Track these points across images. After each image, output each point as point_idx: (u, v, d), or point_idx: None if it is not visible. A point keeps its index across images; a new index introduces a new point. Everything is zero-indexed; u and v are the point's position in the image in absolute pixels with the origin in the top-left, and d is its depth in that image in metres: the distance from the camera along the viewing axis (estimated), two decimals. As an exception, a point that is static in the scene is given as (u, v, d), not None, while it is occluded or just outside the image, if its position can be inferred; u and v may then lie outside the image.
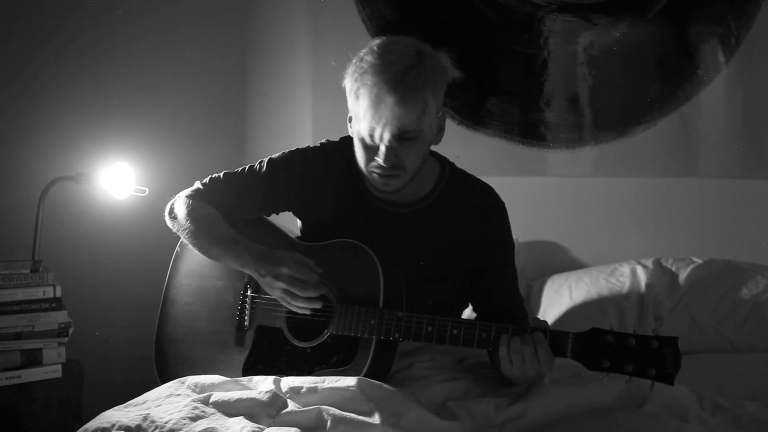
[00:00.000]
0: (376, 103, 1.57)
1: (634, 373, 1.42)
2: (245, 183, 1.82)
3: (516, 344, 1.49)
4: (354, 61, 1.65)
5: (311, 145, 1.86)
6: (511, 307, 1.74)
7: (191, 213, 1.77)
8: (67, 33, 2.48)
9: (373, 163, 1.64)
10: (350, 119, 1.72)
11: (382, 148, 1.60)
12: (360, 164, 1.69)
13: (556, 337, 1.48)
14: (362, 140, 1.64)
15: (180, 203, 1.81)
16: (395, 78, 1.56)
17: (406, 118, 1.58)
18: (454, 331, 1.56)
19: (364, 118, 1.60)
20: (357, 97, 1.61)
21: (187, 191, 1.85)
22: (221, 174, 1.86)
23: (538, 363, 1.48)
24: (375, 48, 1.62)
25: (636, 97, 2.59)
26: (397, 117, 1.57)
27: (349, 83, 1.64)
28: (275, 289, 1.65)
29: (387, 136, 1.59)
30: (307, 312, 1.66)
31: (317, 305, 1.65)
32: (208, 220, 1.76)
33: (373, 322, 1.61)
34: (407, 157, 1.63)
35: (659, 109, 2.58)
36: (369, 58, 1.60)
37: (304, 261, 1.65)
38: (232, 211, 1.82)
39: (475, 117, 2.66)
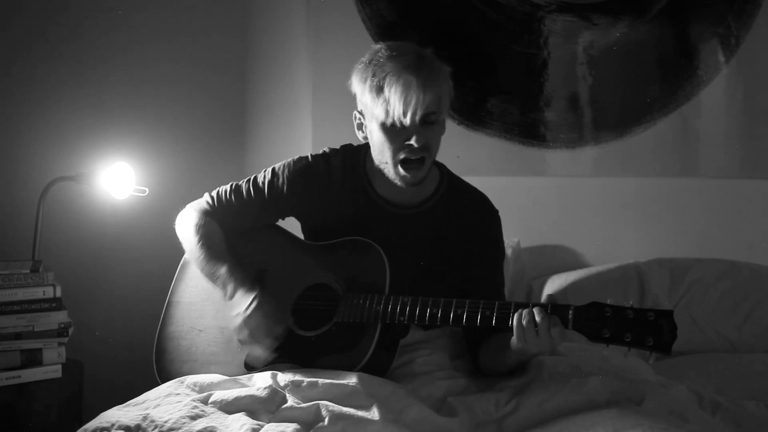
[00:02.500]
0: (406, 87, 1.65)
1: (633, 343, 1.44)
2: (250, 196, 1.87)
3: (528, 317, 1.50)
4: (360, 66, 1.73)
5: (313, 153, 1.89)
6: None
7: (197, 227, 1.84)
8: (67, 33, 2.49)
9: (403, 150, 1.70)
10: (359, 126, 1.78)
11: (414, 130, 1.67)
12: (386, 158, 1.73)
13: (558, 310, 1.50)
14: (388, 128, 1.69)
15: (190, 217, 1.88)
16: (415, 62, 1.67)
17: (432, 97, 1.67)
18: (458, 311, 1.59)
19: (396, 103, 1.66)
20: (379, 90, 1.68)
21: (197, 205, 1.90)
22: (228, 187, 1.90)
23: (552, 338, 1.49)
24: (382, 48, 1.73)
25: (636, 97, 2.59)
26: (426, 96, 1.66)
27: (361, 83, 1.72)
28: (243, 322, 1.68)
29: (419, 115, 1.67)
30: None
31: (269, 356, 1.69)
32: (209, 239, 1.83)
33: (379, 308, 1.64)
34: (432, 140, 1.72)
35: (659, 109, 2.58)
36: (382, 53, 1.71)
37: (274, 315, 1.69)
38: (240, 222, 1.87)
39: (475, 117, 2.66)
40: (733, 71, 2.53)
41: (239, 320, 1.69)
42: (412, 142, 1.67)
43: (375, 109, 1.70)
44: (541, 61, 2.61)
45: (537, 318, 1.49)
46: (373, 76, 1.69)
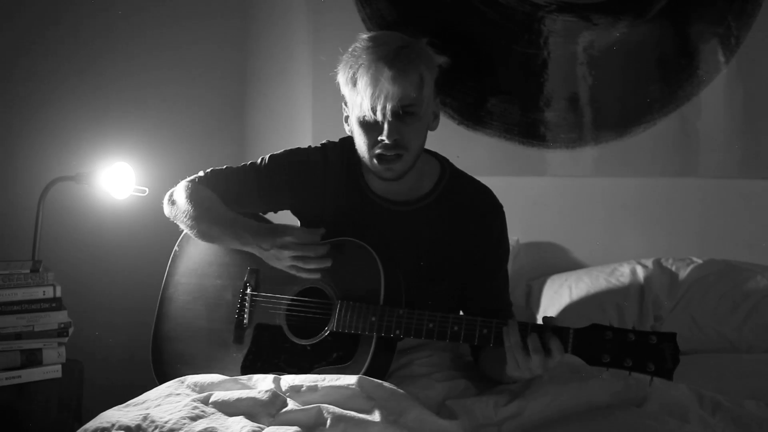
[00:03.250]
0: (375, 78, 1.61)
1: (634, 368, 1.42)
2: (246, 176, 1.85)
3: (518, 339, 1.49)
4: (345, 56, 1.70)
5: (312, 145, 1.87)
6: (499, 310, 1.73)
7: (191, 195, 1.81)
8: (66, 32, 2.49)
9: (377, 146, 1.66)
10: (346, 119, 1.76)
11: (386, 126, 1.63)
12: (362, 152, 1.71)
13: (558, 333, 1.48)
14: (363, 122, 1.67)
15: (180, 189, 1.85)
16: (390, 54, 1.62)
17: (405, 90, 1.62)
18: (455, 328, 1.57)
19: (364, 96, 1.63)
20: (354, 82, 1.65)
21: (188, 178, 1.88)
22: (224, 167, 1.88)
23: (551, 360, 1.48)
24: (365, 37, 1.69)
25: (636, 97, 2.59)
26: (396, 88, 1.61)
27: (343, 74, 1.69)
28: (283, 259, 1.67)
29: (389, 108, 1.62)
30: (318, 274, 1.68)
31: (328, 263, 1.67)
32: (207, 202, 1.80)
33: (373, 319, 1.61)
34: (409, 136, 1.66)
35: (659, 109, 2.58)
36: (361, 44, 1.67)
37: (303, 229, 1.69)
38: (232, 203, 1.84)
39: (475, 117, 2.66)
40: (733, 71, 2.53)
41: (278, 258, 1.67)
42: (384, 137, 1.64)
43: (352, 103, 1.68)
44: (541, 61, 2.61)
45: (531, 353, 1.46)
46: (350, 68, 1.66)
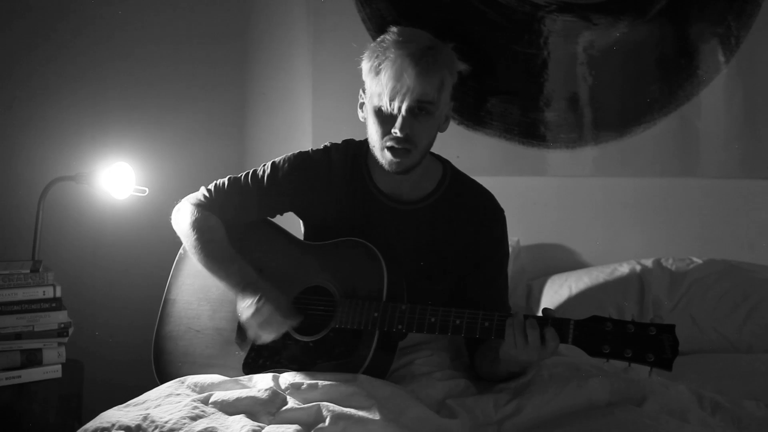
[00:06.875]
0: (399, 73, 1.65)
1: (633, 358, 1.43)
2: (249, 188, 1.86)
3: (520, 330, 1.50)
4: (373, 44, 1.74)
5: (314, 148, 1.88)
6: None
7: (194, 223, 1.82)
8: (67, 33, 2.49)
9: (388, 137, 1.69)
10: (361, 105, 1.78)
11: (399, 119, 1.67)
12: (374, 141, 1.73)
13: (558, 324, 1.49)
14: (379, 112, 1.70)
15: (185, 212, 1.86)
16: (417, 53, 1.66)
17: (425, 89, 1.66)
18: (457, 321, 1.58)
19: (385, 88, 1.66)
20: (377, 72, 1.68)
21: (193, 198, 1.89)
22: (226, 179, 1.89)
23: (544, 349, 1.49)
24: (395, 30, 1.73)
25: (636, 97, 2.59)
26: (418, 86, 1.65)
27: (368, 62, 1.72)
28: (247, 320, 1.67)
29: (407, 103, 1.66)
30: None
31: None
32: (209, 234, 1.81)
33: (376, 314, 1.63)
34: (419, 133, 1.69)
35: (659, 109, 2.58)
36: (390, 37, 1.71)
37: (287, 304, 1.69)
38: (237, 215, 1.86)
39: (475, 117, 2.66)
40: (733, 71, 2.53)
41: (247, 316, 1.67)
42: (396, 130, 1.67)
43: (371, 92, 1.71)
44: (541, 61, 2.61)
45: (528, 332, 1.48)
46: (376, 57, 1.70)
